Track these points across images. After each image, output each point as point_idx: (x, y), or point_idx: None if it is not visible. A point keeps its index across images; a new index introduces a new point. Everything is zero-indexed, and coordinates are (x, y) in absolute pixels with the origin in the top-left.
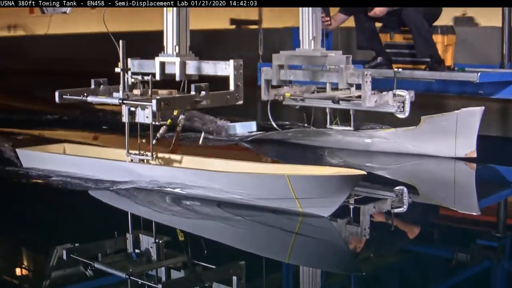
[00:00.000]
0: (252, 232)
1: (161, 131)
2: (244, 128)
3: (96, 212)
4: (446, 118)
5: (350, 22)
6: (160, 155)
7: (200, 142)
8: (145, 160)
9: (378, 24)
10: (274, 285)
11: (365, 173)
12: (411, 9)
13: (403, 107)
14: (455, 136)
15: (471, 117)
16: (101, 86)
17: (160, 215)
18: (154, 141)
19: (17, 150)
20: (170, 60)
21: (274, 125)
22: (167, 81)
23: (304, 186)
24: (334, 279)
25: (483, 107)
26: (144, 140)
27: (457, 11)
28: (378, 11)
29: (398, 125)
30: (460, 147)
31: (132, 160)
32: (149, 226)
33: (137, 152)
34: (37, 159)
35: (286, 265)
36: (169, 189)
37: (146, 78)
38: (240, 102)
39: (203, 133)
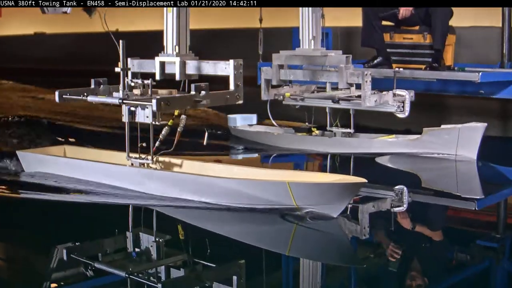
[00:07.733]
0: (252, 225)
1: (163, 132)
2: (245, 121)
3: (95, 210)
4: (448, 132)
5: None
6: (160, 158)
7: (205, 143)
8: (145, 164)
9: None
10: (274, 278)
11: (366, 180)
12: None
13: (403, 106)
14: (455, 150)
15: (473, 132)
16: (101, 85)
17: (159, 214)
18: (157, 143)
19: (17, 152)
20: (170, 60)
21: (275, 124)
22: (167, 81)
23: (305, 193)
24: (334, 271)
25: (485, 124)
26: (144, 144)
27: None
28: (405, 12)
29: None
30: (460, 161)
31: (132, 164)
32: (149, 225)
33: (137, 156)
34: (37, 162)
35: (286, 258)
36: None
37: (146, 82)
38: (240, 101)
39: (206, 133)
